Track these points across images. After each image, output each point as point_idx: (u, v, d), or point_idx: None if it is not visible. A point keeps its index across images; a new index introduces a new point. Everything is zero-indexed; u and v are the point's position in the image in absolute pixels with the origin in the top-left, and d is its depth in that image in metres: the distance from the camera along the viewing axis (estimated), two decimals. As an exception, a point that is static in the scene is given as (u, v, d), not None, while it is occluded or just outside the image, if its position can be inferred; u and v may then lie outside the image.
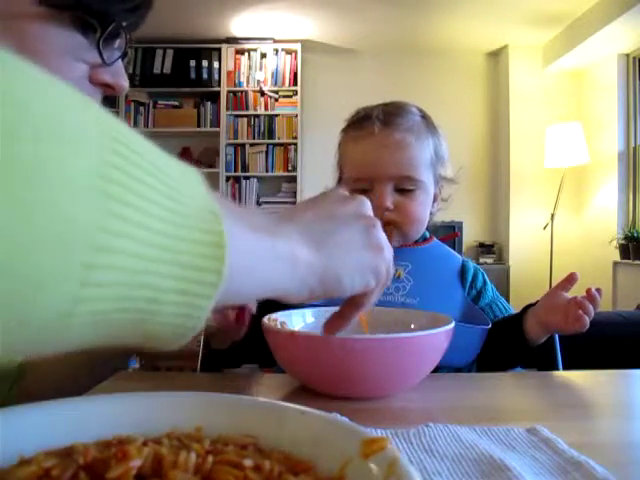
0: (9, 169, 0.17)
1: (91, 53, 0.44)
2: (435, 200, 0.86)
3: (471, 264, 0.86)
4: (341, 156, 0.87)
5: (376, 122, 0.79)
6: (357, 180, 0.81)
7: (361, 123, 0.82)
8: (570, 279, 0.73)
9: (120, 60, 0.47)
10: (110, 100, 3.93)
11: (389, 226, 0.78)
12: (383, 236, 0.43)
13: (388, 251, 0.43)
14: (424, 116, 0.84)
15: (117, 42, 0.46)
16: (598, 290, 0.70)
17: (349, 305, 0.45)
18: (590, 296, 0.69)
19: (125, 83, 0.48)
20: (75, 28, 0.42)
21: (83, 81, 0.45)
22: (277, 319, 0.62)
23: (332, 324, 0.48)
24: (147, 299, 0.22)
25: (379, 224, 0.43)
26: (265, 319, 0.59)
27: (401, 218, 0.79)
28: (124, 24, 0.45)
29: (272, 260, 0.32)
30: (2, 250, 0.17)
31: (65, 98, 0.20)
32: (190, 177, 0.25)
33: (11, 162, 0.17)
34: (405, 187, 0.79)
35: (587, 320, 0.67)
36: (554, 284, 0.74)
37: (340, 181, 0.87)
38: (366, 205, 0.44)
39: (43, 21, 0.40)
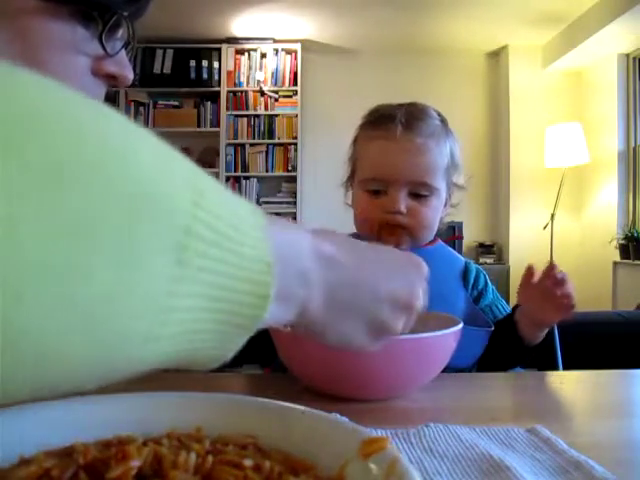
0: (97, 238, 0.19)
1: (93, 45, 0.43)
2: (445, 205, 0.85)
3: (473, 265, 0.86)
4: (357, 152, 0.86)
5: (398, 124, 0.78)
6: (372, 181, 0.80)
7: (382, 123, 0.80)
8: (529, 274, 0.73)
9: (123, 50, 0.46)
10: (110, 100, 3.93)
11: (400, 230, 0.79)
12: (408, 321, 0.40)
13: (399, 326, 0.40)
14: (442, 120, 0.83)
15: (120, 32, 0.46)
16: (552, 266, 0.71)
17: None
18: (557, 280, 0.69)
19: (130, 74, 0.47)
20: (76, 21, 0.42)
21: (86, 74, 0.44)
22: None
23: None
24: (192, 341, 0.25)
25: (414, 314, 0.41)
26: None
27: (413, 223, 0.78)
28: (125, 14, 0.44)
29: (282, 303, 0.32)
30: (86, 315, 0.19)
31: (155, 159, 0.22)
32: (253, 221, 0.27)
33: (98, 230, 0.19)
34: (420, 192, 0.79)
35: (573, 301, 0.69)
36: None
37: (352, 176, 0.87)
38: (420, 286, 0.41)
39: (43, 16, 0.40)
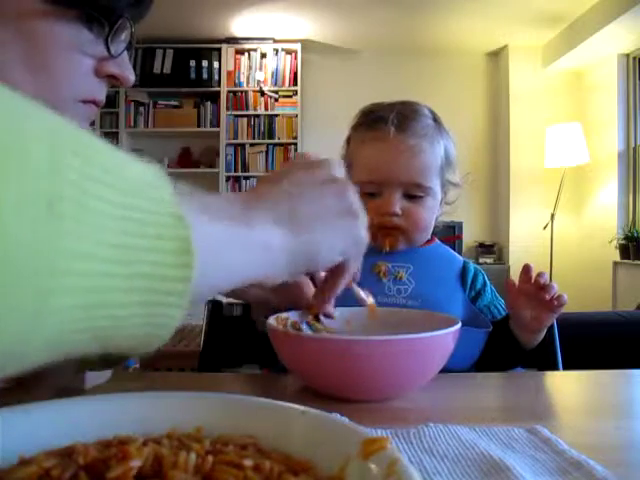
0: None
1: (97, 47, 0.45)
2: (440, 204, 0.85)
3: (472, 265, 0.86)
4: (349, 153, 0.85)
5: (391, 126, 0.77)
6: (366, 183, 0.79)
7: (375, 124, 0.80)
8: (527, 271, 0.72)
9: (125, 52, 0.47)
10: (110, 100, 3.93)
11: (396, 231, 0.79)
12: (357, 200, 0.42)
13: (363, 215, 0.42)
14: (435, 119, 0.83)
15: (123, 35, 0.47)
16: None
17: (333, 275, 0.44)
18: (541, 285, 0.69)
19: (131, 75, 0.48)
20: (81, 23, 0.43)
21: (89, 75, 0.45)
22: (288, 317, 0.60)
23: (320, 298, 0.47)
24: (108, 316, 0.22)
25: (351, 187, 0.42)
26: (272, 319, 0.58)
27: (408, 224, 0.78)
28: (128, 16, 0.46)
29: (244, 250, 0.31)
30: None
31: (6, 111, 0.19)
32: (151, 178, 0.24)
33: None
34: (414, 194, 0.78)
35: (563, 299, 0.68)
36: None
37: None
38: (334, 167, 0.42)
39: (50, 19, 0.41)
